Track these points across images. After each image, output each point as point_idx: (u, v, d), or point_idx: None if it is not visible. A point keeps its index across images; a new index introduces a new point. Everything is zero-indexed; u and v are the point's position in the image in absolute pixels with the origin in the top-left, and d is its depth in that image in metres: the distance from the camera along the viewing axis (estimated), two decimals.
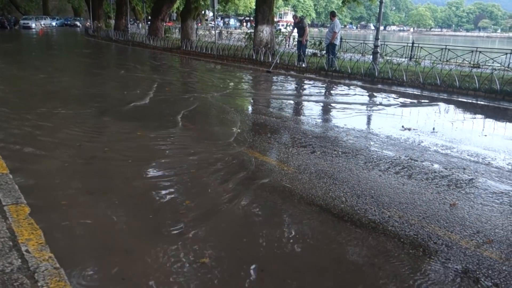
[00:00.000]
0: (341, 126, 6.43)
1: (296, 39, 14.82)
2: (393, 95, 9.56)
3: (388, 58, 15.06)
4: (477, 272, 2.71)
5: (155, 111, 7.06)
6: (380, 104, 8.56)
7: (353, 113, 7.63)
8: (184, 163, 4.43)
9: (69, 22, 55.92)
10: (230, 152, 4.86)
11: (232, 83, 10.90)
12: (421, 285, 2.55)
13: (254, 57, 15.03)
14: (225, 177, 4.10)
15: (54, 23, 53.66)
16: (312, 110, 8.09)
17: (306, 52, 14.45)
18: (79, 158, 4.48)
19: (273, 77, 12.10)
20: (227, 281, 2.52)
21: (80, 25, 53.53)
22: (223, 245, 2.90)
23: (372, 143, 5.58)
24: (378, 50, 12.72)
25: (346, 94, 9.63)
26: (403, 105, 8.59)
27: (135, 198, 3.56)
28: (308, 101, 9.00)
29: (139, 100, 7.77)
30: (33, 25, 42.26)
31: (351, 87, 10.62)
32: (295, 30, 14.64)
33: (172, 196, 3.66)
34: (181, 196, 3.66)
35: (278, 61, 13.74)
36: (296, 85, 11.06)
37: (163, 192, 3.71)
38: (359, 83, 10.96)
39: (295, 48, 14.70)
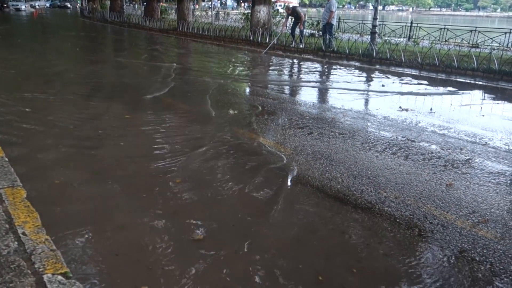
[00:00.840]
0: (338, 107, 6.40)
1: (293, 20, 14.58)
2: (391, 76, 9.50)
3: (386, 38, 14.89)
4: (472, 252, 2.72)
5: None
6: (383, 86, 8.50)
7: (350, 94, 7.57)
8: (189, 146, 4.42)
9: (59, 4, 55.70)
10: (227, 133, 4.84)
11: (233, 67, 10.78)
12: (417, 265, 2.56)
13: (251, 38, 14.84)
14: (222, 157, 4.09)
15: (47, 4, 53.04)
16: (309, 92, 8.03)
17: (304, 33, 14.25)
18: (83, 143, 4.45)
19: (271, 59, 11.98)
20: (219, 255, 2.55)
21: (71, 7, 53.10)
22: (217, 222, 2.93)
23: (369, 124, 5.56)
24: (377, 30, 12.57)
25: (344, 75, 9.55)
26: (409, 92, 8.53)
27: (130, 178, 3.55)
28: (306, 83, 8.92)
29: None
30: (23, 7, 41.56)
31: (349, 68, 10.54)
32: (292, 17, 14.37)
33: (166, 174, 3.66)
34: (174, 175, 3.66)
35: (275, 42, 13.57)
36: (293, 67, 10.96)
37: (157, 171, 3.70)
38: (357, 64, 10.87)
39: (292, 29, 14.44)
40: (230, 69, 10.22)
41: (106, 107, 5.87)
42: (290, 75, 9.82)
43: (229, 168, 3.87)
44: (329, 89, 8.22)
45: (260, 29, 14.84)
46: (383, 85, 8.45)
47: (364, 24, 18.52)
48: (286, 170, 3.85)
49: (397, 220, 3.07)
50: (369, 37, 12.89)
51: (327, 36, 12.69)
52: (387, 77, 9.38)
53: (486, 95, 7.96)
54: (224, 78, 8.62)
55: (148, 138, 4.60)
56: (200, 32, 17.56)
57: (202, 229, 2.83)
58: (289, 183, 3.61)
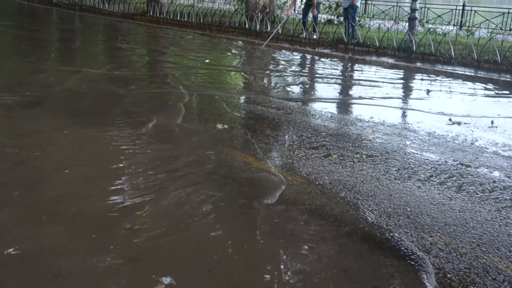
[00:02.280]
0: (365, 120, 6.44)
1: (304, 2, 14.79)
2: (437, 77, 9.59)
3: (430, 26, 15.08)
4: None
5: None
6: (428, 94, 8.55)
7: (382, 102, 7.62)
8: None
9: None
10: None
11: (228, 70, 10.90)
12: None
13: (247, 26, 15.01)
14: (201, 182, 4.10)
15: None
16: (326, 101, 8.08)
17: (319, 19, 14.41)
18: None
19: (274, 55, 12.10)
20: None
21: None
22: (188, 272, 2.96)
23: (408, 142, 5.58)
24: (417, 15, 12.73)
25: (373, 76, 9.66)
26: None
27: (75, 215, 3.55)
28: (322, 88, 9.00)
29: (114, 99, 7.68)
30: None
31: (380, 66, 10.67)
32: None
33: (125, 206, 3.70)
34: (135, 207, 3.71)
35: (279, 31, 13.72)
36: (305, 66, 11.06)
37: (113, 205, 3.72)
38: (391, 61, 10.99)
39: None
40: (224, 73, 10.29)
41: (44, 123, 5.86)
42: (298, 79, 9.91)
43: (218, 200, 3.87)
44: (353, 96, 8.27)
45: (259, 14, 15.01)
46: (428, 92, 8.47)
47: (399, 7, 18.77)
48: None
49: (448, 275, 3.05)
50: (407, 24, 13.05)
51: (350, 24, 12.84)
52: (432, 79, 9.46)
53: None
54: (216, 89, 8.66)
55: (103, 164, 4.60)
56: (178, 17, 17.76)
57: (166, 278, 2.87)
58: (300, 224, 3.61)
